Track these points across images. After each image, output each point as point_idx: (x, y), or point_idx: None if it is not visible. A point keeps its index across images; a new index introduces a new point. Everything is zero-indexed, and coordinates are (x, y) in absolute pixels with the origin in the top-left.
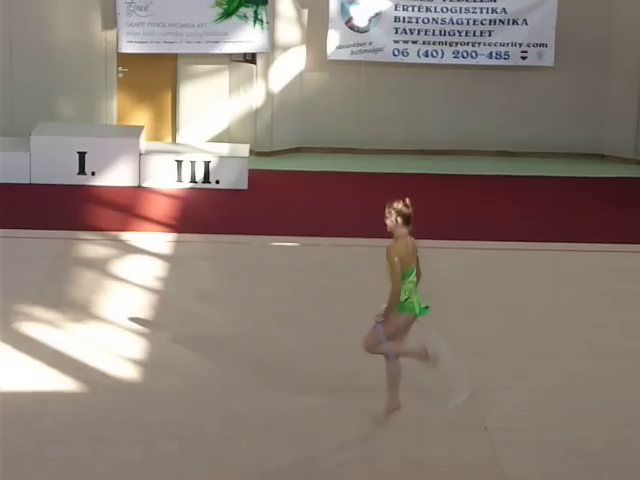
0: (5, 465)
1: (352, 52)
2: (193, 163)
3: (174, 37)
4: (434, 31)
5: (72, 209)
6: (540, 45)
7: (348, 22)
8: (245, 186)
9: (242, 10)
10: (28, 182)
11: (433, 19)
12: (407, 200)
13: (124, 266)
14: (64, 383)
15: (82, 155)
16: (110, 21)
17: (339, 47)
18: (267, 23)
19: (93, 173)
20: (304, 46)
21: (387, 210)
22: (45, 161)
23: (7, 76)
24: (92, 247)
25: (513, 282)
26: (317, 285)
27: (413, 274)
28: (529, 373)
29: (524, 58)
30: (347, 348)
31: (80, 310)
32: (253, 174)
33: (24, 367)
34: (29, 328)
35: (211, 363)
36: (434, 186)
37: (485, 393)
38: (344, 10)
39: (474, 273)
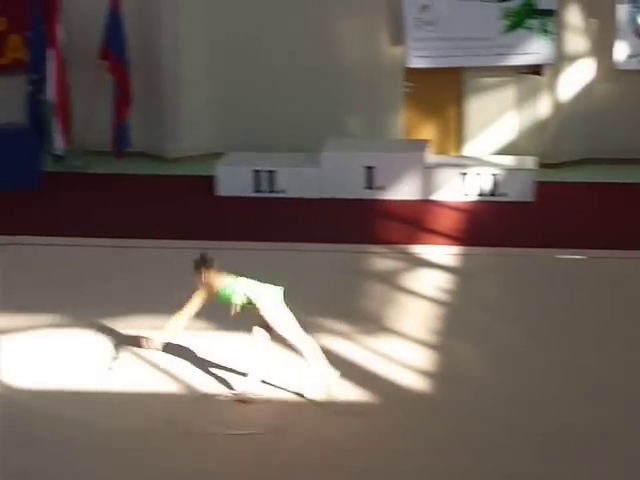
0: (289, 475)
1: None
2: (479, 176)
3: (460, 51)
4: None
5: (361, 223)
6: None
7: (636, 31)
8: (531, 198)
9: (529, 22)
10: (318, 196)
11: None
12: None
13: (412, 279)
14: (356, 394)
15: (370, 170)
16: (397, 37)
17: (630, 56)
18: (554, 34)
19: (380, 187)
20: (592, 56)
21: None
22: (334, 176)
23: (297, 92)
24: (381, 260)
25: None
26: (605, 299)
27: None
28: None
29: None
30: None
31: (371, 322)
32: (539, 186)
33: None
34: (322, 340)
35: (503, 376)
36: None
37: None
38: (632, 19)
39: None
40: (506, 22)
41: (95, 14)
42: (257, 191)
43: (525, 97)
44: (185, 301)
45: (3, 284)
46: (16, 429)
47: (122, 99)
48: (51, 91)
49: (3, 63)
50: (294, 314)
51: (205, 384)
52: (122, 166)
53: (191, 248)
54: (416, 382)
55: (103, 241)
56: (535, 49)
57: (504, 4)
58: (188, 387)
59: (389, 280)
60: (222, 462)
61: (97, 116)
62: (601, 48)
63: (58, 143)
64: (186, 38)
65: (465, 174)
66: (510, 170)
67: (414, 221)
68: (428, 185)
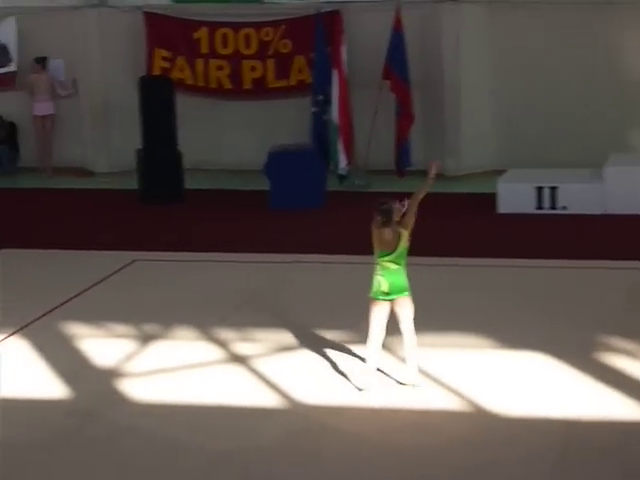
0: None
1: None
2: None
3: None
4: None
5: None
6: None
7: None
8: None
9: None
10: (602, 212)
11: None
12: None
13: None
14: None
15: None
16: None
17: None
18: None
19: None
20: None
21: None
22: (618, 191)
23: (579, 107)
24: None
25: None
26: None
27: (385, 259)
28: None
29: None
30: None
31: None
32: None
33: (602, 396)
34: (608, 358)
35: None
36: None
37: None
38: None
39: None
40: None
41: (377, 34)
42: (538, 208)
43: None
44: None
45: (283, 301)
46: (306, 445)
47: (404, 118)
48: (335, 112)
49: (289, 85)
50: (579, 332)
51: None
52: (403, 184)
53: (473, 266)
54: None
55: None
56: None
57: None
58: None
59: None
60: None
61: (379, 135)
62: None
63: (342, 163)
64: (467, 55)
65: None
66: None
67: None
68: None
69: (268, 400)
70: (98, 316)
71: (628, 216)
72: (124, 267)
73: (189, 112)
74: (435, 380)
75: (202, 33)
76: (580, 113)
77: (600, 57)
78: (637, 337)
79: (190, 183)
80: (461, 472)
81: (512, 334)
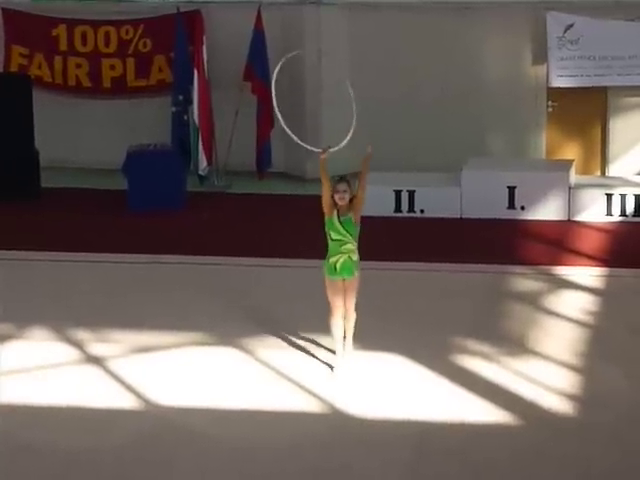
0: None
1: None
2: (624, 196)
3: (604, 70)
4: None
5: (502, 243)
6: None
7: None
8: None
9: None
10: (459, 216)
11: None
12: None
13: (555, 300)
14: (497, 416)
15: (512, 189)
16: (540, 56)
17: None
18: None
19: (522, 207)
20: None
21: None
22: (475, 195)
23: (439, 112)
24: (523, 281)
25: None
26: None
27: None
28: None
29: None
30: None
31: (513, 343)
32: None
33: (457, 398)
34: (463, 360)
35: None
36: None
37: None
38: None
39: None
40: None
41: (238, 35)
42: (397, 211)
43: None
44: None
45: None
46: (158, 446)
47: (265, 120)
48: (195, 112)
49: (149, 84)
50: (435, 335)
51: None
52: (263, 186)
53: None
54: (560, 405)
55: (241, 260)
56: None
57: None
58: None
59: (532, 301)
60: None
61: (240, 136)
62: None
63: (202, 163)
64: (329, 58)
65: (609, 194)
66: None
67: (557, 242)
68: (571, 205)
69: (122, 401)
70: None
71: (484, 220)
72: None
73: (47, 110)
74: (291, 380)
75: (61, 30)
76: (439, 116)
77: (459, 60)
78: (492, 339)
79: (47, 181)
80: (314, 473)
81: (368, 337)
